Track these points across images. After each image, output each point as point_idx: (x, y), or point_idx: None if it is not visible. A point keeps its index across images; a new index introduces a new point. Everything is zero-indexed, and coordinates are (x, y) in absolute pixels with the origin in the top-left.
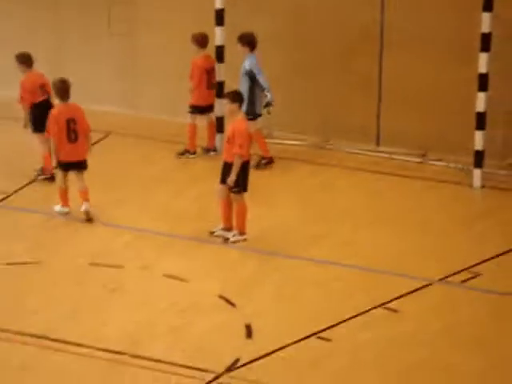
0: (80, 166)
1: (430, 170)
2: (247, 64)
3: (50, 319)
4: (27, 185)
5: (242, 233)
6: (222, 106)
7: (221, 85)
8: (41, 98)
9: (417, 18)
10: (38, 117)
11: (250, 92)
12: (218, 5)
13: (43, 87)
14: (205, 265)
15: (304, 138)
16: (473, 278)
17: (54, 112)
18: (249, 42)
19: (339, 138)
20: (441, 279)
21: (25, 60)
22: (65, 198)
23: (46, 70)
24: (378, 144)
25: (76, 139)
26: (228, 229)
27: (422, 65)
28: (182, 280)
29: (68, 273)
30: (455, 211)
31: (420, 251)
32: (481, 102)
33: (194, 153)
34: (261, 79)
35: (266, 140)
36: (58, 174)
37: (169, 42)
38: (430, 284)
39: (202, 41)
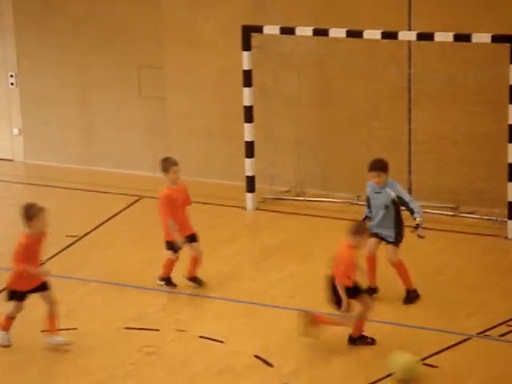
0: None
1: (463, 223)
2: (392, 192)
3: None
4: (61, 251)
5: None
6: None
7: (251, 144)
8: None
9: (444, 72)
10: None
11: (399, 218)
12: (246, 66)
13: None
14: (241, 325)
15: (335, 195)
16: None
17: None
18: (386, 166)
19: None
20: (479, 333)
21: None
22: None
23: (77, 134)
24: None
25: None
26: None
27: (451, 118)
28: (218, 341)
29: (104, 338)
30: (490, 264)
31: (456, 305)
32: (511, 153)
33: None
34: (413, 203)
35: (299, 198)
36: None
37: (198, 103)
38: (469, 338)
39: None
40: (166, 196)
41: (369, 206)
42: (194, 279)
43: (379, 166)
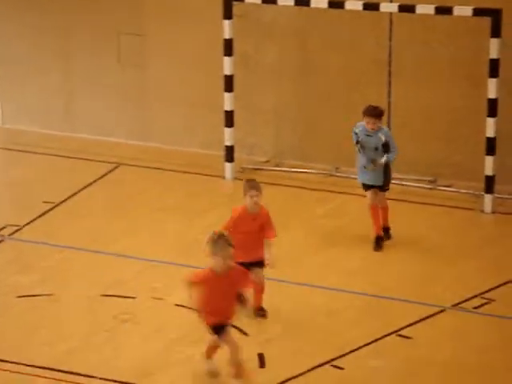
0: None
1: (441, 196)
2: (383, 136)
3: (62, 351)
4: (38, 217)
5: None
6: None
7: (231, 114)
8: None
9: (424, 45)
10: None
11: (387, 163)
12: (227, 35)
13: None
14: None
15: (313, 166)
16: (486, 304)
17: None
18: (382, 113)
19: (349, 165)
20: (453, 305)
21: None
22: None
23: (56, 100)
24: None
25: None
26: None
27: (430, 91)
28: (193, 309)
29: (79, 305)
30: (467, 237)
31: (432, 277)
32: (490, 127)
33: None
34: (394, 150)
35: (277, 168)
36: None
37: (178, 71)
38: (443, 310)
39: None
40: (232, 217)
41: (360, 148)
42: (260, 310)
43: (372, 114)
